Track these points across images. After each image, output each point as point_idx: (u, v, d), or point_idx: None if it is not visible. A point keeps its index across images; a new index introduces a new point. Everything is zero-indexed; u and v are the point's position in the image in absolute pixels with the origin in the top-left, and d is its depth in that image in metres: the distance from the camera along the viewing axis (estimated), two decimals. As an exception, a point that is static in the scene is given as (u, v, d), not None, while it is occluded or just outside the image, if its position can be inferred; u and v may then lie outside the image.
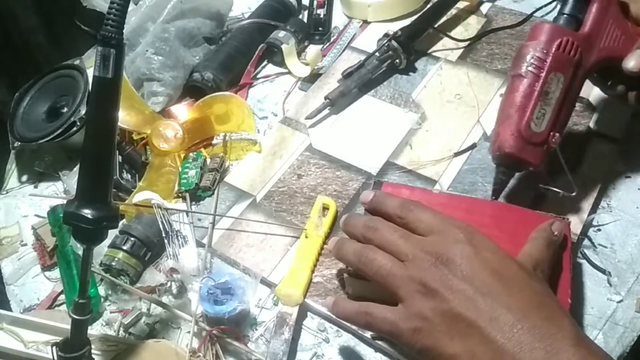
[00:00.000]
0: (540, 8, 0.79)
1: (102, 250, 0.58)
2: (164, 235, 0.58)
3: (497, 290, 0.41)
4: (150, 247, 0.58)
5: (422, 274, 0.42)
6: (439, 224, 0.45)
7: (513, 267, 0.43)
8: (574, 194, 0.52)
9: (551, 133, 0.50)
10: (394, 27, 0.74)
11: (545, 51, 0.49)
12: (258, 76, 0.78)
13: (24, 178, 0.72)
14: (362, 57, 0.72)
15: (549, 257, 0.46)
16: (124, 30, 0.41)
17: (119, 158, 0.65)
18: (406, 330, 0.42)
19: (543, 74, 0.49)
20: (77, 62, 0.72)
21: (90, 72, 0.51)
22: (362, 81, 0.71)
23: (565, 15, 0.51)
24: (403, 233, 0.46)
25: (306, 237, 0.57)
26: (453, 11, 0.79)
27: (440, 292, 0.41)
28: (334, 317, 0.52)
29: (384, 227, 0.47)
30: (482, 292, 0.41)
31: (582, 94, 0.66)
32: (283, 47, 0.75)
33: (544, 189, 0.54)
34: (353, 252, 0.47)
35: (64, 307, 0.58)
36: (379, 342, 0.51)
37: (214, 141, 0.70)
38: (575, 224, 0.54)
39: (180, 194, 0.63)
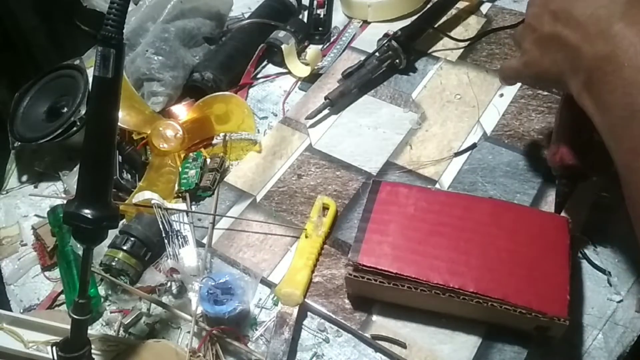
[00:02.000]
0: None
1: (102, 250, 0.58)
2: (164, 235, 0.58)
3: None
4: (150, 247, 0.58)
5: (535, 27, 0.47)
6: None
7: None
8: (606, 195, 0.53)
9: (594, 134, 0.49)
10: (394, 27, 0.74)
11: None
12: (258, 76, 0.78)
13: (24, 178, 0.72)
14: (362, 57, 0.72)
15: None
16: (124, 30, 0.41)
17: (119, 158, 0.65)
18: (519, 66, 0.50)
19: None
20: (77, 62, 0.72)
21: (90, 72, 0.51)
22: (362, 81, 0.71)
23: None
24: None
25: (306, 237, 0.57)
26: (453, 11, 0.79)
27: (532, 24, 0.47)
28: (334, 317, 0.52)
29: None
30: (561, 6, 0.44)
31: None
32: (283, 47, 0.75)
33: (604, 196, 0.56)
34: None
35: (64, 307, 0.58)
36: (379, 342, 0.51)
37: (214, 141, 0.70)
38: (576, 224, 0.54)
39: (180, 194, 0.63)
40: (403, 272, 0.48)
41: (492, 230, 0.50)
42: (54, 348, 0.46)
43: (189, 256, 0.57)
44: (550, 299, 0.46)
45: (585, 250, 0.55)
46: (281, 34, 0.77)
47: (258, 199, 0.62)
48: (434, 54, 0.75)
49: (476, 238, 0.50)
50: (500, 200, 0.58)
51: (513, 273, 0.48)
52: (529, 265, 0.48)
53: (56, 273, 0.61)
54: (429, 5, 0.79)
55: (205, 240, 0.59)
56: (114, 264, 0.57)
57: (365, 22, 0.82)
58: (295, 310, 0.52)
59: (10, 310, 0.59)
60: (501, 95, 0.68)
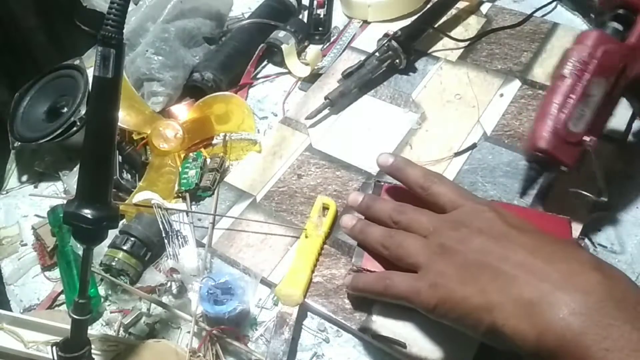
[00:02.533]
0: (540, 8, 0.79)
1: (102, 250, 0.58)
2: (164, 235, 0.58)
3: (512, 234, 0.40)
4: (150, 247, 0.59)
5: (441, 238, 0.43)
6: (462, 197, 0.45)
7: (534, 227, 0.42)
8: (605, 199, 0.51)
9: (588, 135, 0.49)
10: (394, 27, 0.74)
11: (590, 55, 0.49)
12: (258, 76, 0.78)
13: (24, 178, 0.72)
14: (362, 57, 0.72)
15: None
16: (124, 30, 0.41)
17: (119, 158, 0.65)
18: (423, 288, 0.42)
19: (586, 77, 0.49)
20: (77, 62, 0.72)
21: (90, 72, 0.51)
22: (362, 81, 0.70)
23: (611, 26, 0.52)
24: (429, 213, 0.46)
25: (306, 237, 0.57)
26: (453, 11, 0.79)
27: (455, 247, 0.41)
28: (334, 317, 0.52)
29: (412, 210, 0.47)
30: (495, 238, 0.40)
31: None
32: (283, 47, 0.75)
33: (574, 192, 0.53)
34: (380, 234, 0.47)
35: (64, 307, 0.58)
36: (379, 342, 0.51)
37: (214, 141, 0.70)
38: (576, 224, 0.54)
39: (180, 194, 0.63)
40: None
41: None
42: (54, 348, 0.46)
43: (189, 256, 0.57)
44: None
45: (585, 250, 0.55)
46: (281, 34, 0.77)
47: (258, 199, 0.62)
48: (434, 54, 0.75)
49: None
50: (501, 201, 0.58)
51: None
52: None
53: (56, 273, 0.61)
54: (429, 5, 0.79)
55: (205, 240, 0.59)
56: (114, 264, 0.57)
57: (365, 22, 0.82)
58: (295, 310, 0.52)
59: (10, 310, 0.59)
60: (501, 95, 0.68)
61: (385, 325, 0.51)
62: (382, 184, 0.55)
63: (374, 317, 0.52)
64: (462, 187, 0.47)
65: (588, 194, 0.52)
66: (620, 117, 0.65)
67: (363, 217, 0.53)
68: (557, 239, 0.42)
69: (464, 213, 0.44)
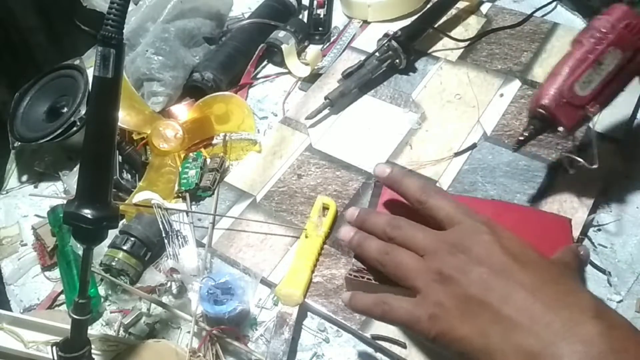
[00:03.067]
0: (540, 8, 0.79)
1: (102, 250, 0.58)
2: (164, 235, 0.58)
3: (512, 269, 0.39)
4: (150, 247, 0.59)
5: (439, 263, 0.42)
6: (460, 213, 0.44)
7: (533, 254, 0.41)
8: (595, 166, 0.51)
9: (592, 102, 0.50)
10: (394, 27, 0.74)
11: (612, 26, 0.50)
12: (258, 76, 0.78)
13: (24, 178, 0.72)
14: (362, 57, 0.72)
15: (576, 265, 0.45)
16: (124, 30, 0.41)
17: (119, 158, 0.65)
18: (422, 318, 0.41)
19: (602, 45, 0.50)
20: (77, 62, 0.72)
21: (90, 72, 0.51)
22: (362, 81, 0.71)
23: None
24: (425, 229, 0.45)
25: (306, 237, 0.57)
26: (453, 11, 0.79)
27: (454, 277, 0.40)
28: (334, 317, 0.52)
29: (407, 225, 0.46)
30: (495, 272, 0.39)
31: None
32: (283, 47, 0.75)
33: (567, 157, 0.54)
34: (376, 250, 0.46)
35: (64, 307, 0.58)
36: (379, 342, 0.51)
37: (214, 141, 0.70)
38: (576, 224, 0.54)
39: (180, 194, 0.63)
40: None
41: None
42: (54, 348, 0.46)
43: (189, 256, 0.57)
44: None
45: (585, 250, 0.55)
46: (281, 34, 0.77)
47: (258, 199, 0.62)
48: (434, 54, 0.75)
49: None
50: (502, 201, 0.57)
51: None
52: None
53: (56, 273, 0.61)
54: (429, 5, 0.79)
55: (205, 240, 0.59)
56: (114, 264, 0.57)
57: (365, 22, 0.82)
58: (295, 310, 0.52)
59: (10, 310, 0.59)
60: (501, 95, 0.68)
61: (385, 326, 0.51)
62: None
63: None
64: (459, 202, 0.46)
65: (579, 159, 0.52)
66: (620, 117, 0.65)
67: None
68: (558, 273, 0.40)
69: (461, 233, 0.43)
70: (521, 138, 0.53)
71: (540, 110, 0.51)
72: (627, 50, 0.50)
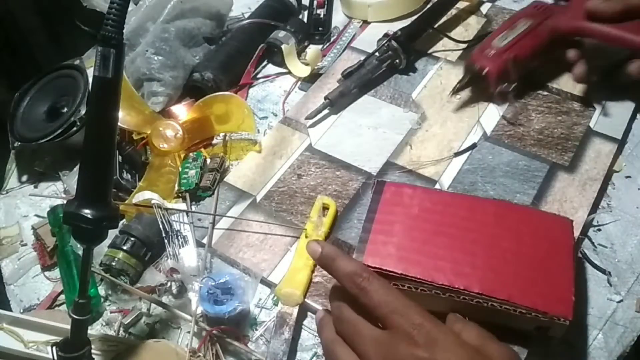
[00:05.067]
0: (540, 8, 0.79)
1: (102, 250, 0.58)
2: (164, 235, 0.58)
3: None
4: (150, 247, 0.58)
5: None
6: (399, 316, 0.41)
7: None
8: (510, 90, 0.66)
9: (509, 50, 0.65)
10: (394, 27, 0.74)
11: (526, 9, 0.71)
12: (258, 76, 0.78)
13: (24, 178, 0.72)
14: (362, 57, 0.72)
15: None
16: (124, 30, 0.41)
17: (119, 158, 0.65)
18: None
19: (517, 16, 0.69)
20: (77, 62, 0.72)
21: (90, 72, 0.51)
22: (362, 81, 0.70)
23: None
24: (364, 327, 0.42)
25: (306, 237, 0.57)
26: (453, 11, 0.79)
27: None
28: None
29: (350, 321, 0.43)
30: None
31: (581, 93, 0.67)
32: (283, 47, 0.75)
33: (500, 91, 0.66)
34: (325, 339, 0.45)
35: (64, 307, 0.58)
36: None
37: (214, 141, 0.70)
38: (576, 224, 0.54)
39: (180, 194, 0.63)
40: (408, 272, 0.48)
41: (496, 231, 0.50)
42: (54, 348, 0.46)
43: (189, 256, 0.57)
44: (555, 299, 0.46)
45: (585, 250, 0.55)
46: (281, 34, 0.77)
47: (258, 199, 0.62)
48: (434, 54, 0.75)
49: (480, 239, 0.50)
50: (504, 201, 0.58)
51: (518, 274, 0.47)
52: (533, 266, 0.48)
53: (56, 273, 0.61)
54: (429, 5, 0.79)
55: (205, 240, 0.59)
56: (114, 264, 0.57)
57: (365, 22, 0.82)
58: (295, 310, 0.52)
59: (10, 310, 0.59)
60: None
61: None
62: (384, 182, 0.55)
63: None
64: (399, 295, 0.42)
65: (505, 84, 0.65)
66: (620, 117, 0.65)
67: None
68: None
69: (394, 345, 0.40)
70: (457, 85, 0.67)
71: (470, 61, 0.66)
72: (535, 20, 0.68)
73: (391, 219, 0.52)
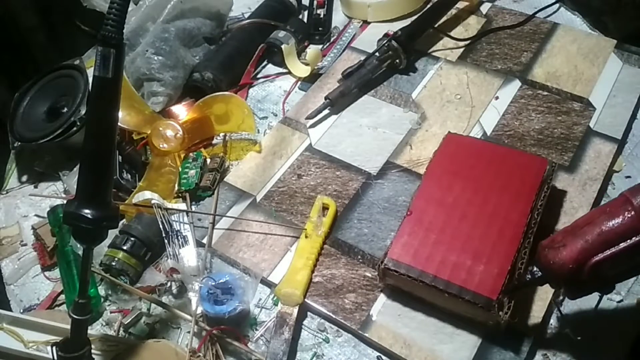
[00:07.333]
0: (543, 9, 0.79)
1: (102, 250, 0.58)
2: (164, 235, 0.58)
3: None
4: (150, 247, 0.58)
5: None
6: None
7: None
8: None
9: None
10: (394, 27, 0.74)
11: None
12: (258, 76, 0.78)
13: (24, 178, 0.72)
14: (362, 57, 0.72)
15: None
16: (124, 30, 0.41)
17: (119, 158, 0.65)
18: None
19: None
20: (77, 62, 0.72)
21: (90, 72, 0.51)
22: (362, 81, 0.71)
23: None
24: None
25: (306, 237, 0.57)
26: (453, 11, 0.79)
27: None
28: (334, 317, 0.52)
29: None
30: None
31: (581, 93, 0.67)
32: (283, 47, 0.75)
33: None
34: None
35: (64, 307, 0.58)
36: (379, 342, 0.51)
37: (214, 141, 0.70)
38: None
39: (180, 194, 0.63)
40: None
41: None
42: (54, 348, 0.46)
43: (189, 256, 0.57)
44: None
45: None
46: (281, 34, 0.77)
47: (258, 199, 0.62)
48: (434, 54, 0.75)
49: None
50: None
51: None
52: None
53: (56, 273, 0.61)
54: (429, 5, 0.79)
55: (205, 240, 0.59)
56: (114, 264, 0.57)
57: (365, 22, 0.82)
58: (295, 310, 0.52)
59: (10, 310, 0.59)
60: (496, 98, 0.68)
61: (385, 326, 0.51)
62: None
63: (374, 317, 0.52)
64: None
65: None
66: (620, 117, 0.65)
67: None
68: None
69: None
70: (516, 283, 0.47)
71: (562, 269, 0.41)
72: None
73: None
